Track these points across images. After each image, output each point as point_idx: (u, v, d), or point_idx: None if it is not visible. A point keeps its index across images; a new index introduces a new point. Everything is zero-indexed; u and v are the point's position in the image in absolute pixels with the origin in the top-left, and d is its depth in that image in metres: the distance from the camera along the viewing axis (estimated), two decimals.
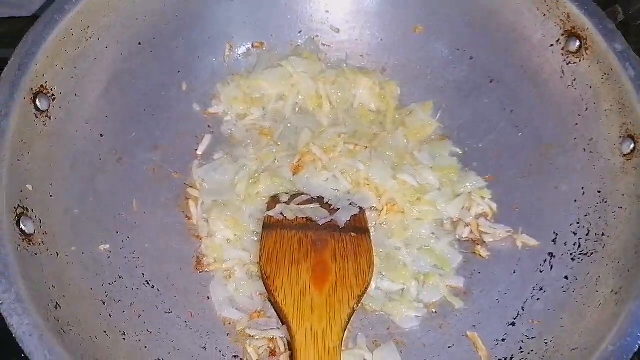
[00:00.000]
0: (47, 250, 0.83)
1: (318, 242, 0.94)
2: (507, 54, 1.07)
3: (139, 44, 1.04)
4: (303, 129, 1.08)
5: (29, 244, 0.80)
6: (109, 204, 0.96)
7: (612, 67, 0.91)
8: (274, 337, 0.92)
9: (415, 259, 0.98)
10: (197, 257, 0.99)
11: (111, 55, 1.00)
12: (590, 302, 0.84)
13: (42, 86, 0.88)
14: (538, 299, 0.92)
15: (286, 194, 1.01)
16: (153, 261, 0.96)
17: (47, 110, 0.89)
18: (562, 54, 1.00)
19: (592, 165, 0.95)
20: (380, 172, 1.01)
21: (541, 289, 0.92)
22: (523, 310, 0.92)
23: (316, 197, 1.02)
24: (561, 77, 1.00)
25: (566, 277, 0.91)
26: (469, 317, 0.94)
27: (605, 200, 0.91)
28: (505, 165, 1.05)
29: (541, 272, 0.94)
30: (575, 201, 0.96)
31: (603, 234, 0.89)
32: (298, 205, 0.99)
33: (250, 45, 1.15)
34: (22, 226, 0.79)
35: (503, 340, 0.90)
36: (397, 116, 1.11)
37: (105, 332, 0.83)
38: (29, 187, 0.84)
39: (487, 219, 1.02)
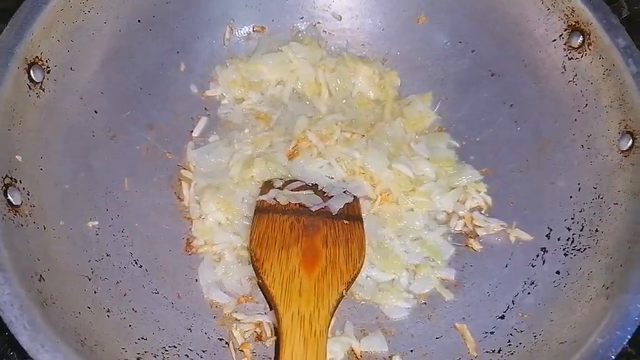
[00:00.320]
0: (34, 222, 0.82)
1: (310, 227, 0.93)
2: (509, 47, 1.06)
3: (139, 21, 1.03)
4: (300, 115, 1.07)
5: (15, 215, 0.79)
6: (100, 181, 0.95)
7: (614, 63, 0.90)
8: (260, 322, 0.91)
9: (407, 249, 0.97)
10: (187, 239, 0.98)
11: (110, 31, 0.99)
12: (581, 296, 0.83)
13: (36, 57, 0.87)
14: (529, 293, 0.91)
15: (280, 179, 1.01)
16: (142, 241, 0.95)
17: (41, 82, 0.88)
18: (565, 49, 0.99)
19: (590, 161, 0.94)
20: (376, 161, 1.01)
21: (532, 283, 0.92)
22: (513, 303, 0.91)
23: (310, 184, 1.01)
24: (562, 72, 0.99)
25: (558, 272, 0.90)
26: (459, 309, 0.93)
27: (600, 197, 0.90)
28: (503, 159, 1.04)
29: (533, 266, 0.93)
30: (571, 197, 0.95)
31: (597, 230, 0.89)
32: (292, 191, 0.98)
33: (251, 29, 1.14)
34: (9, 196, 0.79)
35: (492, 332, 0.89)
36: (395, 106, 1.10)
37: (89, 307, 0.82)
38: (18, 158, 0.83)
39: (482, 213, 1.01)
